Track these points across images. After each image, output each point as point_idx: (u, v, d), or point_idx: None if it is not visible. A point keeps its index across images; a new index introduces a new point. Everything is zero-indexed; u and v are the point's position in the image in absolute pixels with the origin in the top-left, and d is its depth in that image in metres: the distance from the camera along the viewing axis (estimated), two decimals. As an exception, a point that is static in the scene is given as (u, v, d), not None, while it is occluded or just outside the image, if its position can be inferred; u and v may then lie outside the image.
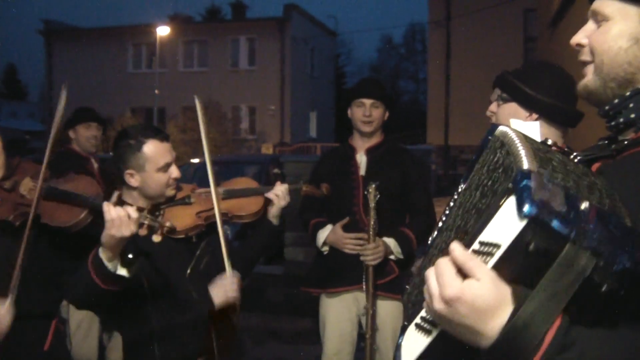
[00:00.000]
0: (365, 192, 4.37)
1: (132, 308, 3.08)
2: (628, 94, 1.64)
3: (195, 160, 14.01)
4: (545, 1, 11.70)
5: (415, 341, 1.56)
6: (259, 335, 7.66)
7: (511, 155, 1.43)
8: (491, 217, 1.37)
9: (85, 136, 6.17)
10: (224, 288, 3.21)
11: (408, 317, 1.62)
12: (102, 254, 2.81)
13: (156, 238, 2.94)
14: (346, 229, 4.61)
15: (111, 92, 35.42)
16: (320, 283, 4.77)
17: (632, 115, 1.63)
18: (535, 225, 1.27)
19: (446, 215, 1.75)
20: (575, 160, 1.62)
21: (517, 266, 1.33)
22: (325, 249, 4.73)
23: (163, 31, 35.05)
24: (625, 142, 1.62)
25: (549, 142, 1.62)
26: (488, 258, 1.36)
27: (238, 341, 3.57)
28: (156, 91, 33.71)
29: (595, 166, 1.66)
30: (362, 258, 4.41)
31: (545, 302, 1.28)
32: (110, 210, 2.77)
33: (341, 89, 46.50)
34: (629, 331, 1.33)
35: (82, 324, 5.18)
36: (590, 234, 1.29)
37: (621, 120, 1.66)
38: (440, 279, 1.39)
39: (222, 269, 3.24)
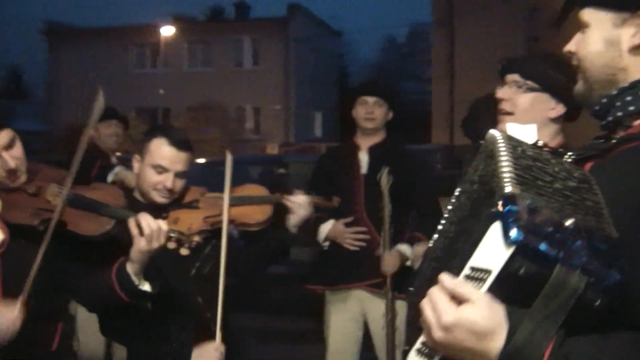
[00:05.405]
0: (378, 178, 4.37)
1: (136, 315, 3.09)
2: (615, 92, 1.70)
3: (201, 161, 13.94)
4: (549, 0, 11.69)
5: None
6: (263, 336, 7.65)
7: (496, 177, 1.45)
8: (479, 241, 1.39)
9: (106, 133, 6.24)
10: (208, 355, 3.13)
11: (408, 340, 1.64)
12: (130, 269, 2.82)
13: (184, 251, 2.95)
14: (347, 226, 4.63)
15: (115, 92, 35.05)
16: (324, 280, 4.78)
17: (619, 114, 1.69)
18: (523, 251, 1.30)
19: (445, 219, 1.77)
20: (569, 160, 1.68)
21: (510, 289, 1.36)
22: (326, 243, 4.74)
23: (167, 31, 35.06)
24: (614, 141, 1.67)
25: (540, 143, 1.66)
26: (480, 283, 1.38)
27: None
28: (161, 91, 33.70)
29: (587, 165, 1.70)
30: (382, 268, 4.42)
31: (540, 323, 1.32)
32: (142, 223, 2.78)
33: (345, 88, 46.47)
34: (622, 340, 1.36)
35: (90, 320, 5.19)
36: (577, 252, 1.32)
37: (610, 119, 1.71)
38: (436, 307, 1.42)
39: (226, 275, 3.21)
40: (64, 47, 39.53)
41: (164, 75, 36.72)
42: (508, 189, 1.38)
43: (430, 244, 1.80)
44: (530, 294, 1.33)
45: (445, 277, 1.43)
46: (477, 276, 1.39)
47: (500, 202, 1.36)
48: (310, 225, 4.73)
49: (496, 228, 1.35)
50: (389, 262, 4.41)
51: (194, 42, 38.70)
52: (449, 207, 1.76)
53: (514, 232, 1.30)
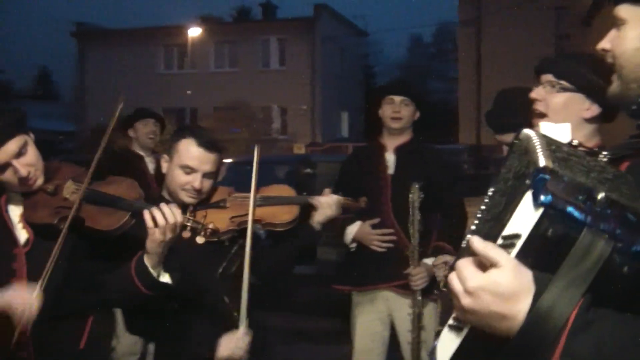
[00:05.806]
0: (410, 195, 4.35)
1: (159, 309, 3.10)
2: None
3: (228, 160, 13.96)
4: (578, -1, 11.60)
5: (448, 341, 1.59)
6: (289, 335, 7.66)
7: (532, 164, 1.46)
8: (512, 215, 1.43)
9: (144, 132, 6.50)
10: (234, 344, 3.12)
11: (443, 323, 1.65)
12: (147, 261, 2.84)
13: (200, 240, 2.95)
14: (374, 227, 4.62)
15: (143, 93, 35.54)
16: (351, 281, 4.77)
17: None
18: (551, 213, 1.33)
19: (478, 219, 1.76)
20: (604, 160, 1.64)
21: (538, 253, 1.38)
22: (353, 245, 4.73)
23: (194, 32, 35.21)
24: None
25: (575, 142, 1.64)
26: (510, 249, 1.40)
27: None
28: (188, 92, 33.78)
29: (624, 165, 1.67)
30: (410, 284, 4.43)
31: (567, 286, 1.32)
32: (155, 215, 2.79)
33: (371, 88, 46.32)
34: None
35: None
36: (606, 219, 1.34)
37: None
38: (461, 275, 1.43)
39: (251, 275, 3.21)
40: (93, 48, 39.83)
41: (191, 76, 36.84)
42: (542, 162, 1.40)
43: (464, 245, 1.79)
44: (558, 259, 1.34)
45: (475, 239, 1.44)
46: (508, 243, 1.41)
47: (534, 173, 1.39)
48: (338, 226, 4.72)
49: (528, 196, 1.38)
50: (418, 280, 4.41)
51: (220, 43, 38.81)
52: (483, 207, 1.75)
53: (542, 196, 1.33)
